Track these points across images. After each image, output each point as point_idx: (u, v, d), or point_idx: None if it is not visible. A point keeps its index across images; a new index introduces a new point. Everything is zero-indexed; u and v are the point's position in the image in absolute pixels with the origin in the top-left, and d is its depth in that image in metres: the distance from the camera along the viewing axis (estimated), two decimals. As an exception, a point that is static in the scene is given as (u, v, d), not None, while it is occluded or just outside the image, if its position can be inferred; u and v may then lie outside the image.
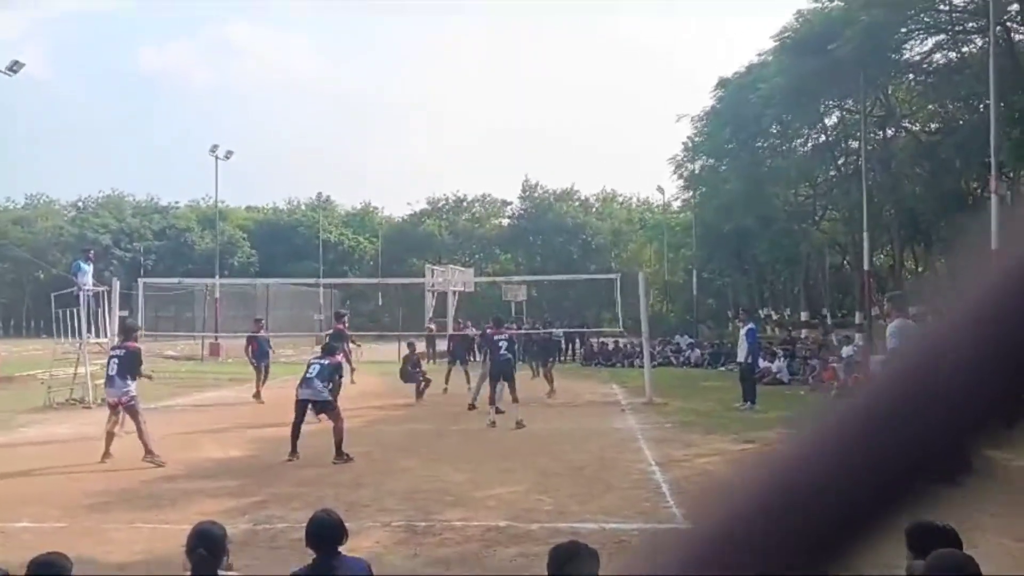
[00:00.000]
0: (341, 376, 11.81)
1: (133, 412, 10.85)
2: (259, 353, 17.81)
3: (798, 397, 17.71)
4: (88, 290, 17.43)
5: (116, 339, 13.65)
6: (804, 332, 30.67)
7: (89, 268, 17.98)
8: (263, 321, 19.79)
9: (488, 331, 15.18)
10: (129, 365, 11.05)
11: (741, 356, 16.64)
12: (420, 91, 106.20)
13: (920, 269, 32.84)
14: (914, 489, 0.48)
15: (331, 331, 15.83)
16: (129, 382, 10.98)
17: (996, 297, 0.46)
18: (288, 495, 8.71)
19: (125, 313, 18.07)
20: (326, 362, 11.34)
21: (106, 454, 10.67)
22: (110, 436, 10.81)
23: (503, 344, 13.97)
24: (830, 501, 0.47)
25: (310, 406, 11.01)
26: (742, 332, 16.89)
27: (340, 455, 10.58)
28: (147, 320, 19.96)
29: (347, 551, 4.11)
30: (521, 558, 6.60)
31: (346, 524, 4.17)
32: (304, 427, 10.99)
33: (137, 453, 10.49)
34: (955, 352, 0.47)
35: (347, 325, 16.82)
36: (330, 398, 11.13)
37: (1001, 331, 0.46)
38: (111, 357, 11.42)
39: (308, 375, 11.17)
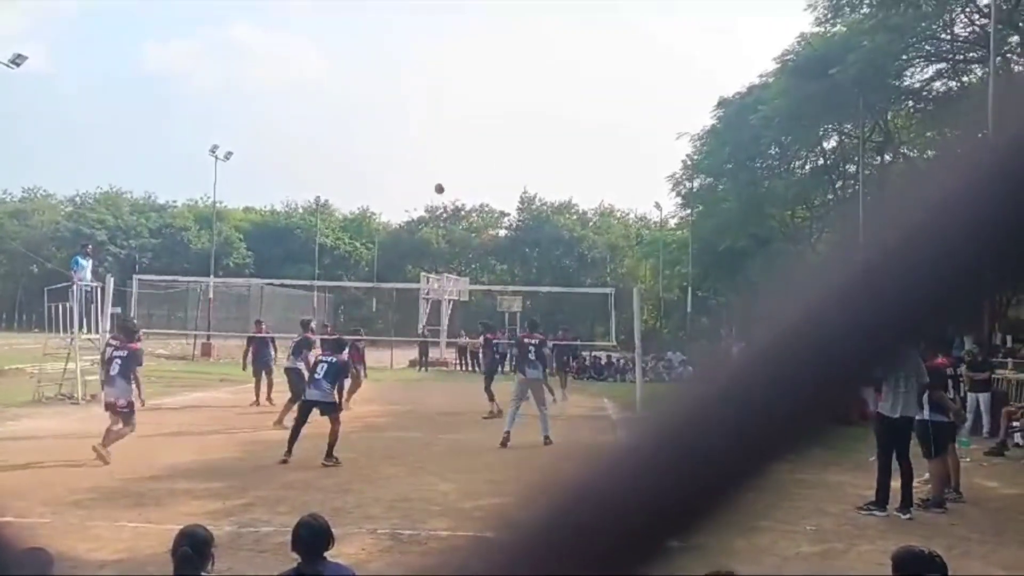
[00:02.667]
0: (347, 376, 11.84)
1: (127, 418, 10.68)
2: (260, 359, 17.08)
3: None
4: (85, 285, 17.40)
5: (113, 337, 13.26)
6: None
7: (88, 263, 17.97)
8: (262, 323, 19.03)
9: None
10: (131, 366, 10.86)
11: None
12: (421, 98, 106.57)
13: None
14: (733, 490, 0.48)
15: (300, 339, 15.24)
16: (131, 385, 10.79)
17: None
18: (274, 498, 8.67)
19: (118, 309, 18.00)
20: (334, 360, 11.26)
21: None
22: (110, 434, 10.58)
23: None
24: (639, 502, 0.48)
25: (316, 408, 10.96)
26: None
27: (331, 457, 10.56)
28: (140, 318, 19.87)
29: (332, 557, 4.10)
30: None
31: (331, 530, 4.16)
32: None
33: (124, 452, 10.43)
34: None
35: (314, 332, 16.24)
36: (336, 400, 11.11)
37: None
38: (114, 357, 11.11)
39: (317, 375, 11.10)
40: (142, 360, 11.24)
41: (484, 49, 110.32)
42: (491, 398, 15.81)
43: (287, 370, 14.96)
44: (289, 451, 10.64)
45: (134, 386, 10.85)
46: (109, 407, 10.83)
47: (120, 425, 10.61)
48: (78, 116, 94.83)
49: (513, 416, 12.64)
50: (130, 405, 10.73)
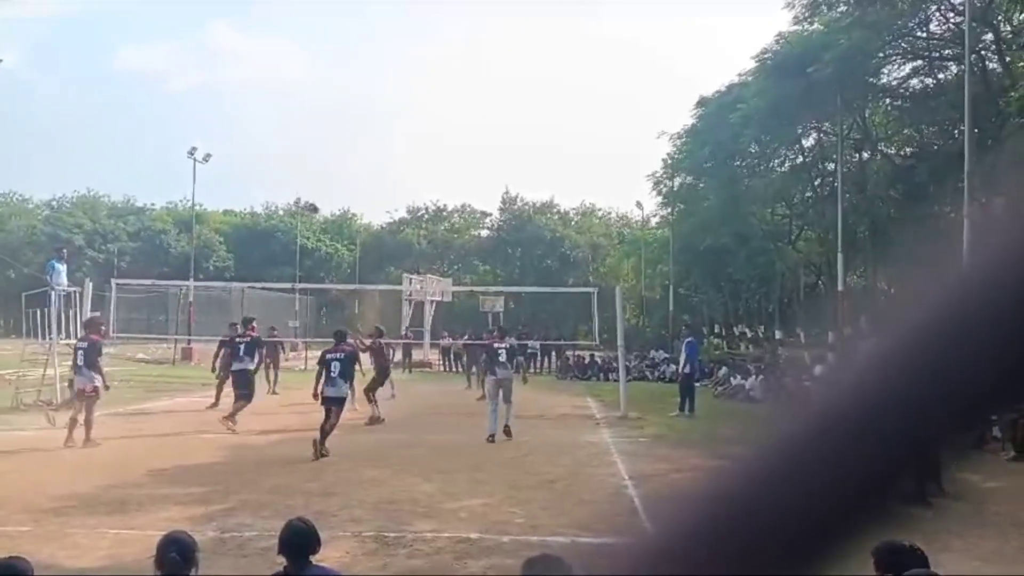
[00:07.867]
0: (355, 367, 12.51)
1: (90, 403, 11.63)
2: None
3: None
4: (61, 290, 17.16)
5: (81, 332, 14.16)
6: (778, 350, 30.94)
7: (63, 268, 17.70)
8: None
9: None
10: (93, 356, 11.97)
11: (681, 367, 18.26)
12: (403, 99, 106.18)
13: (893, 290, 33.28)
14: (873, 503, 0.48)
15: (247, 339, 15.39)
16: (95, 373, 11.86)
17: (956, 312, 0.47)
18: (257, 503, 8.61)
19: (97, 314, 17.79)
20: (342, 356, 11.76)
21: (69, 439, 11.43)
22: (73, 422, 11.56)
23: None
24: (788, 514, 0.47)
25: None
26: (683, 345, 18.54)
27: (322, 447, 10.97)
28: (119, 322, 19.66)
29: (317, 560, 4.08)
30: (492, 570, 6.58)
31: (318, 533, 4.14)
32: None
33: (104, 457, 10.34)
34: (908, 366, 0.47)
35: (256, 330, 16.39)
36: (347, 395, 11.74)
37: (961, 345, 0.46)
38: (77, 348, 12.33)
39: (331, 373, 11.55)
40: (101, 351, 12.44)
41: (466, 50, 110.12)
42: (372, 400, 15.58)
43: (238, 372, 14.90)
44: (322, 447, 11.13)
45: (96, 371, 12.07)
46: (79, 394, 12.04)
47: (87, 414, 11.62)
48: (55, 119, 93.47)
49: (495, 415, 13.36)
50: (96, 390, 11.87)
